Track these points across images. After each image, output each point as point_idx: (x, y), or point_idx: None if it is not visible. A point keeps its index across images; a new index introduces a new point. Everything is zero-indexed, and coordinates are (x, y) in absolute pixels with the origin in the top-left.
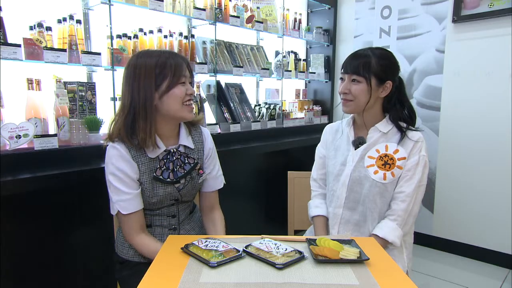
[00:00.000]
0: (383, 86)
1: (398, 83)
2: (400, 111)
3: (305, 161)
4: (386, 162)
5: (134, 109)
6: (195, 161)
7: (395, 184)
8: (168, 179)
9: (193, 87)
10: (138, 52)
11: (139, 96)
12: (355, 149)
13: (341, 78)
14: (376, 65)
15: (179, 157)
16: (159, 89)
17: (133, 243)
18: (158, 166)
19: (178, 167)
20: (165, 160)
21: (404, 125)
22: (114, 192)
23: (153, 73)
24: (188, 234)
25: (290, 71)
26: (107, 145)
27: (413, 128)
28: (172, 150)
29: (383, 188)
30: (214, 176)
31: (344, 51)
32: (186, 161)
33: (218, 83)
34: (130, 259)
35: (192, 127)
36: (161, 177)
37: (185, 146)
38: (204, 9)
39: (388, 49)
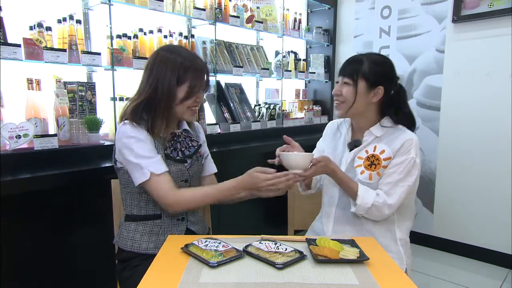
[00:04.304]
0: (374, 91)
1: (398, 90)
2: (398, 117)
3: None
4: (372, 162)
5: (154, 100)
6: (199, 143)
7: None
8: (178, 157)
9: (206, 92)
10: (167, 46)
11: (163, 89)
12: (350, 151)
13: (337, 82)
14: (367, 69)
15: (184, 139)
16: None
17: (177, 199)
18: (168, 146)
19: (184, 148)
20: (172, 142)
21: (401, 127)
22: (140, 158)
23: (176, 72)
24: (194, 227)
25: (290, 71)
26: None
27: (403, 129)
28: (177, 133)
29: (371, 187)
30: (210, 160)
31: (344, 51)
32: (191, 144)
33: (218, 83)
34: (136, 251)
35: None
36: (171, 155)
37: (187, 130)
38: (204, 9)
39: (386, 57)
